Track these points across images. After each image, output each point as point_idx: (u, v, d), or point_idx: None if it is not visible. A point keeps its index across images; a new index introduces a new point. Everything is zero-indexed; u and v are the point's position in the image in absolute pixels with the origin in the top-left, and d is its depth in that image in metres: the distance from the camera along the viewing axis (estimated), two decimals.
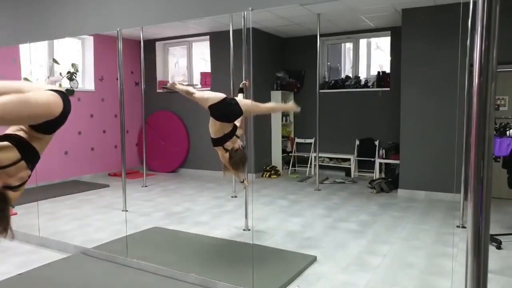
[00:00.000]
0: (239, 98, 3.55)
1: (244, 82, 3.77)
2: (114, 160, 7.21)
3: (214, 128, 3.42)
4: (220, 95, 3.37)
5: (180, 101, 7.81)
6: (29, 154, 1.99)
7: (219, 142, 3.46)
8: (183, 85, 3.60)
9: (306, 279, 3.02)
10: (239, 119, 3.59)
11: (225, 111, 3.36)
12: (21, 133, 1.98)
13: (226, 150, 3.48)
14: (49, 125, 1.98)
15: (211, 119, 3.41)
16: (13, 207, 1.97)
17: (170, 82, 3.65)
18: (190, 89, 3.51)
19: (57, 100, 1.96)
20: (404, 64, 5.80)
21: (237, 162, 3.47)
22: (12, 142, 1.93)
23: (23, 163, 1.95)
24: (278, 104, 3.94)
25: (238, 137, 3.55)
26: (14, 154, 1.91)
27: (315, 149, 6.95)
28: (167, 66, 8.35)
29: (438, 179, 5.51)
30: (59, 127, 2.05)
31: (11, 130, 2.00)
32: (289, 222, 4.54)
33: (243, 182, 3.83)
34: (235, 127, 3.48)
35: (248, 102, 3.52)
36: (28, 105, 1.85)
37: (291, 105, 4.01)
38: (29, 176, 2.03)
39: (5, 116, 1.77)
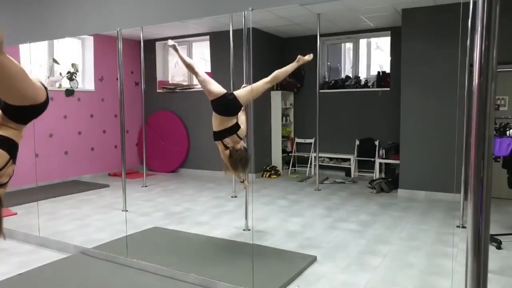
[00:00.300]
0: (237, 91, 3.51)
1: (244, 85, 3.74)
2: (114, 160, 7.21)
3: (216, 121, 3.47)
4: (221, 91, 3.39)
5: (180, 101, 7.85)
6: (14, 150, 1.99)
7: (219, 136, 3.49)
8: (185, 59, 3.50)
9: (306, 279, 3.02)
10: (243, 120, 3.58)
11: (224, 106, 3.39)
12: (2, 131, 1.96)
13: (226, 147, 3.50)
14: (29, 112, 1.96)
15: (214, 112, 3.46)
16: (3, 206, 1.97)
17: (171, 42, 3.53)
18: (194, 65, 3.47)
19: (43, 88, 1.99)
20: (404, 64, 5.80)
21: (236, 161, 3.48)
22: (1, 147, 1.92)
23: (11, 161, 1.96)
24: (281, 70, 3.60)
25: (240, 138, 3.53)
26: (5, 157, 1.92)
27: (315, 149, 6.95)
28: (167, 66, 8.35)
29: (438, 179, 5.51)
30: (36, 116, 2.03)
31: None
32: (289, 222, 4.54)
33: (243, 182, 3.83)
34: (236, 125, 3.48)
35: (245, 91, 3.46)
36: (28, 79, 1.85)
37: (298, 60, 3.60)
38: (14, 170, 2.04)
39: (7, 75, 1.72)
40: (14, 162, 2.00)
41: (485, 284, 1.28)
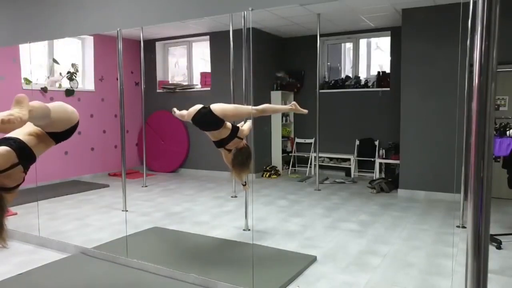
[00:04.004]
0: (215, 105, 3.35)
1: (242, 123, 3.66)
2: (114, 160, 7.21)
3: (209, 134, 3.45)
4: (196, 107, 3.35)
5: (180, 101, 7.83)
6: (26, 158, 2.02)
7: (219, 144, 3.46)
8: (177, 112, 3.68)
9: (306, 279, 3.02)
10: (248, 125, 3.56)
11: (202, 121, 3.34)
12: (28, 137, 2.04)
13: (229, 150, 3.46)
14: (65, 133, 2.20)
15: None
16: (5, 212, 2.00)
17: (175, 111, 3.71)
18: (183, 112, 3.57)
19: (75, 110, 2.27)
20: (404, 64, 5.80)
21: (243, 160, 3.40)
22: (11, 146, 1.95)
23: (20, 166, 1.97)
24: (271, 106, 3.45)
25: (241, 138, 3.47)
26: (12, 158, 1.93)
27: (315, 149, 6.95)
28: (167, 66, 8.35)
29: (438, 179, 5.51)
30: (70, 135, 2.27)
31: (19, 134, 2.05)
32: (289, 222, 4.54)
33: (245, 185, 3.80)
34: (235, 128, 3.44)
35: (223, 105, 3.35)
36: (66, 110, 2.15)
37: (292, 105, 3.58)
38: (24, 179, 2.07)
39: (54, 114, 1.98)
40: (24, 171, 2.03)
41: (485, 284, 1.28)
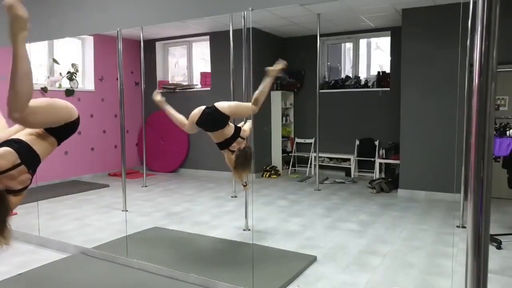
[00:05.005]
0: (219, 102, 3.38)
1: (242, 123, 3.68)
2: (114, 160, 7.21)
3: (213, 136, 3.44)
4: (200, 109, 3.35)
5: (180, 101, 7.83)
6: (30, 159, 2.01)
7: (223, 145, 3.46)
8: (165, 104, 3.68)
9: (306, 279, 3.02)
10: (248, 125, 3.57)
11: (209, 121, 3.34)
12: (29, 137, 2.03)
13: (232, 151, 3.46)
14: (65, 130, 2.15)
15: None
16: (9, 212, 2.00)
17: (158, 97, 3.65)
18: (170, 109, 3.63)
19: (73, 107, 2.22)
20: (404, 64, 5.80)
21: (246, 160, 3.40)
22: (13, 147, 1.95)
23: (23, 167, 1.97)
24: (258, 92, 3.42)
25: (243, 138, 3.50)
26: (14, 159, 1.93)
27: (315, 149, 6.95)
28: (167, 66, 8.35)
29: (438, 179, 5.51)
30: (71, 133, 2.22)
31: (20, 135, 2.06)
32: (289, 222, 4.54)
33: (245, 185, 3.80)
34: (237, 129, 3.45)
35: (228, 103, 3.39)
36: (55, 105, 2.09)
37: (268, 73, 3.49)
38: (31, 180, 2.06)
39: (37, 110, 1.91)
40: (30, 172, 2.02)
41: (485, 284, 1.27)
